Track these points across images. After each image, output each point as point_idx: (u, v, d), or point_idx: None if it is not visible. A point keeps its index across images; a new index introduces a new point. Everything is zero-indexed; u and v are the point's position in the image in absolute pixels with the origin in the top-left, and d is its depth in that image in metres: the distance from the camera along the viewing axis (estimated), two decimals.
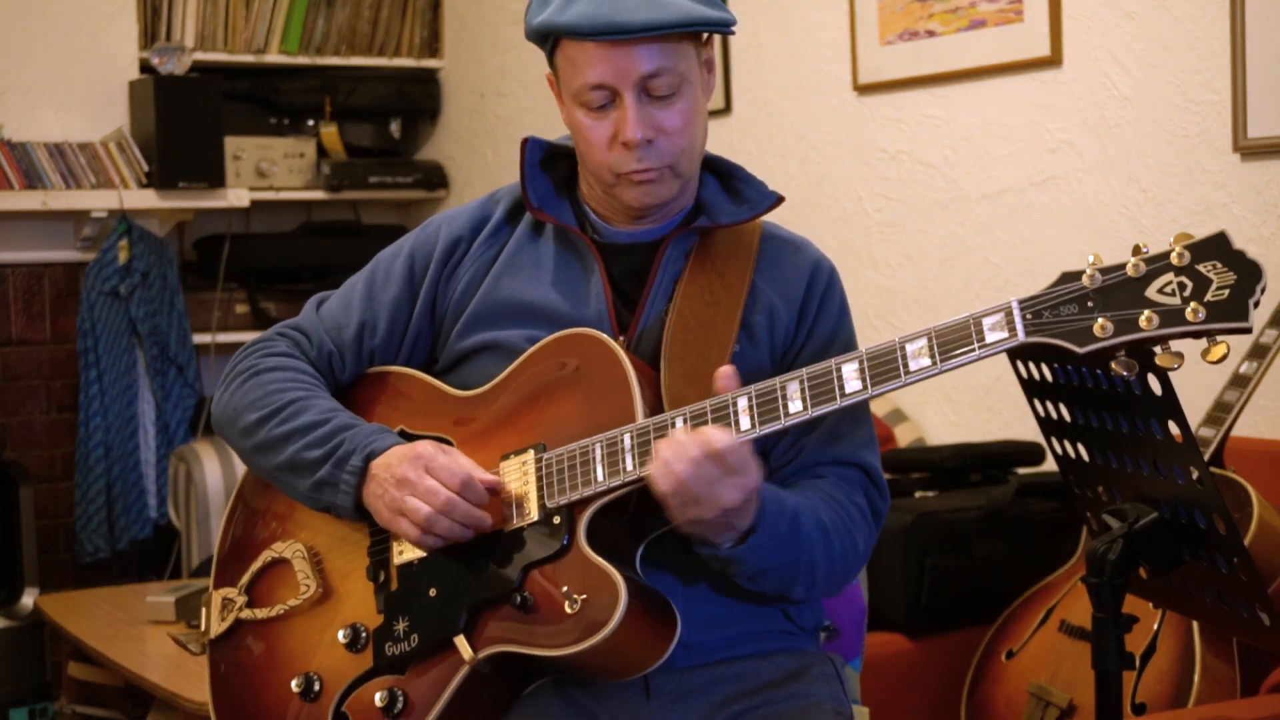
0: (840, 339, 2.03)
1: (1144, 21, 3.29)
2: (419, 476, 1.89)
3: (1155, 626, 2.67)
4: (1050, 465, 3.31)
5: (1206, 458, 2.64)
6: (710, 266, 2.00)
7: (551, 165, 2.08)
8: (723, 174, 2.08)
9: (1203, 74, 3.18)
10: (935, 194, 3.78)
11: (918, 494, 3.43)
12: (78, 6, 4.77)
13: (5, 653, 4.39)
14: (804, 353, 2.01)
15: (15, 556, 4.56)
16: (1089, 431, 1.90)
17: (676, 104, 1.92)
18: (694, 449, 1.75)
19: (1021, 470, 3.44)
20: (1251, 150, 3.09)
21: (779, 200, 2.04)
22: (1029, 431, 3.36)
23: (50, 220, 4.71)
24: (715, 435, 1.76)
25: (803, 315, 2.02)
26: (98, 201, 4.63)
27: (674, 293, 1.99)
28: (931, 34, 3.73)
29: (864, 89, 3.93)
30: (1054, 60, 3.47)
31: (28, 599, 4.47)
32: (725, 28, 1.94)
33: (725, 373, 1.83)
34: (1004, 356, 1.78)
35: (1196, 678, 2.61)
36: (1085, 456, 1.95)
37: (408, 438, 2.01)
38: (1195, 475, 1.81)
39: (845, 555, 1.93)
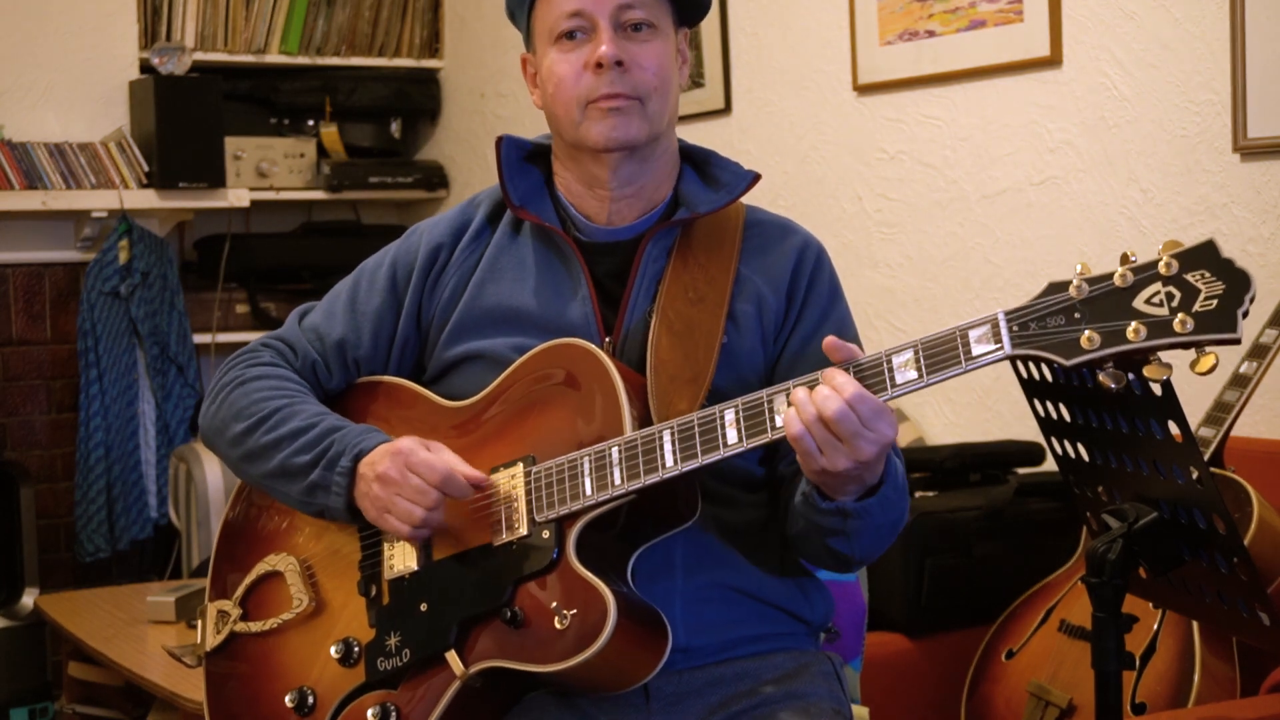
0: (833, 318, 2.02)
1: (1144, 21, 3.29)
2: (401, 474, 1.89)
3: (1155, 626, 2.67)
4: (1050, 465, 3.30)
5: (1206, 458, 2.64)
6: (692, 260, 2.00)
7: (531, 164, 2.08)
8: (698, 162, 2.07)
9: (1203, 74, 3.18)
10: (935, 194, 3.78)
11: (918, 494, 3.42)
12: (78, 6, 4.77)
13: (5, 653, 4.39)
14: (795, 335, 2.00)
15: (15, 556, 4.57)
16: (1089, 431, 1.89)
17: (650, 44, 1.97)
18: (836, 401, 1.70)
19: (1021, 470, 3.44)
20: (1251, 150, 3.09)
21: (755, 178, 2.03)
22: (1029, 431, 3.36)
23: (50, 220, 4.71)
24: (845, 384, 1.71)
25: (791, 299, 2.01)
26: (98, 201, 4.62)
27: (657, 292, 1.98)
28: (931, 34, 3.73)
29: (864, 89, 3.93)
30: (1054, 60, 3.46)
31: (28, 599, 4.47)
32: None
33: (833, 344, 1.76)
34: None
35: (1196, 678, 2.61)
36: (1085, 456, 1.95)
37: None
38: (1195, 475, 1.81)
39: (906, 508, 1.94)
